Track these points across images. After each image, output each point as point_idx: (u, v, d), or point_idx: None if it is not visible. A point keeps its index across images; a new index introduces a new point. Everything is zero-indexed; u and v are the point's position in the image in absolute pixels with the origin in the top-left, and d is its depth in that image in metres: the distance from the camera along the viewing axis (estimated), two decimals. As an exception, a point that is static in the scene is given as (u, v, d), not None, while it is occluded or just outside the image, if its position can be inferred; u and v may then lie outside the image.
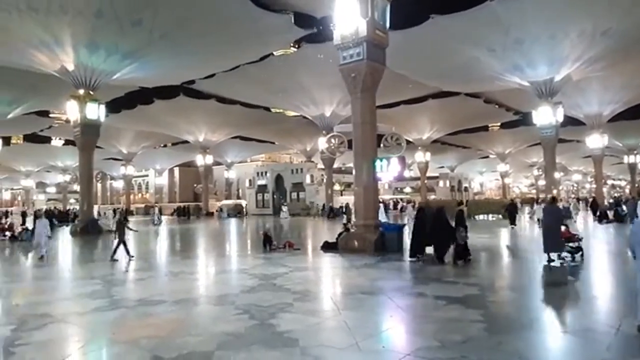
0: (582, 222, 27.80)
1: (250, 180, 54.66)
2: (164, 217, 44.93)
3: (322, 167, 48.83)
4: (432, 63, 30.96)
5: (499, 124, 61.42)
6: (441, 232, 12.06)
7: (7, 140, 49.90)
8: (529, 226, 25.52)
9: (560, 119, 31.47)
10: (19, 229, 23.74)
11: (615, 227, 23.09)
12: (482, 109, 44.70)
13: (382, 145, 16.83)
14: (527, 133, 51.52)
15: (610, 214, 27.25)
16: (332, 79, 29.84)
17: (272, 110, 51.21)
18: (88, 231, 24.99)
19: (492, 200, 58.75)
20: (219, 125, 48.73)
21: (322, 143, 38.11)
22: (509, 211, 24.56)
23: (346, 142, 18.57)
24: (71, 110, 26.19)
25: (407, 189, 79.83)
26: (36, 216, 23.51)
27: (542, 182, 64.30)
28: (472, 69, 30.43)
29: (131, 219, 45.14)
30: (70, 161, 64.88)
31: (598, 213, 27.19)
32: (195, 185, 75.06)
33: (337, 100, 39.38)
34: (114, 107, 37.14)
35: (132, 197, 71.05)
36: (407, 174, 55.47)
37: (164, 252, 18.19)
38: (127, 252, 14.05)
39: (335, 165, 48.53)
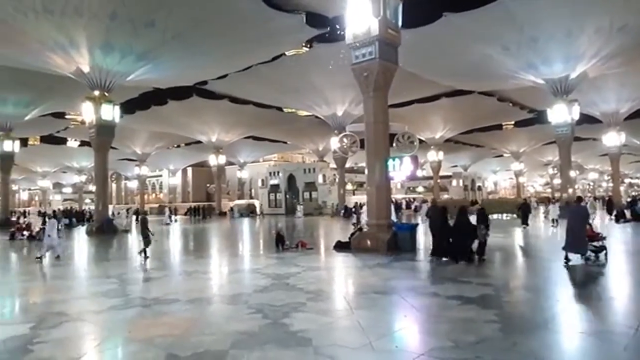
0: (600, 222, 27.36)
1: (262, 180, 54.86)
2: (178, 217, 45.39)
3: (335, 166, 48.83)
4: (445, 62, 30.74)
5: (513, 122, 60.82)
6: (463, 231, 11.97)
7: (24, 142, 50.89)
8: (543, 226, 25.19)
9: (576, 116, 31.04)
10: (37, 228, 24.15)
11: (633, 226, 22.69)
12: (496, 107, 44.27)
13: (394, 144, 16.72)
14: (541, 131, 50.91)
15: (628, 213, 26.78)
16: (344, 79, 29.86)
17: (285, 110, 51.37)
18: (103, 231, 25.34)
19: (506, 199, 58.13)
20: (232, 125, 49.01)
21: (334, 143, 38.07)
22: (522, 211, 24.24)
23: (358, 142, 18.45)
24: (87, 112, 26.56)
25: (420, 188, 79.43)
26: (48, 216, 23.87)
27: (557, 181, 63.51)
28: (486, 67, 30.16)
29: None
30: (85, 162, 65.92)
31: (615, 212, 26.74)
32: (208, 185, 75.64)
33: (349, 100, 39.35)
34: (128, 108, 37.60)
35: (146, 197, 71.76)
36: (419, 173, 55.13)
37: (178, 251, 18.34)
38: (145, 251, 14.17)
39: (348, 165, 48.52)
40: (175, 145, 66.54)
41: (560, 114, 30.61)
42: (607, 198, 39.98)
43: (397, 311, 7.43)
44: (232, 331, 6.08)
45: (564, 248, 11.08)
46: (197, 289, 9.24)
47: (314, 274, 10.75)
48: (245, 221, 38.70)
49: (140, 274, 11.90)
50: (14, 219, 36.75)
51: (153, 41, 24.73)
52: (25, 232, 23.35)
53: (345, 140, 18.88)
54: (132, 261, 14.14)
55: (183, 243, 21.77)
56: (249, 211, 49.26)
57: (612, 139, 41.00)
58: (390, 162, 15.00)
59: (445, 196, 63.11)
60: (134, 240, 22.72)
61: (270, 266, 12.02)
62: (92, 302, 8.30)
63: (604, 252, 11.41)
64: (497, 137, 63.04)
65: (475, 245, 11.97)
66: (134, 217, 34.05)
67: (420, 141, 23.12)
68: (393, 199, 29.61)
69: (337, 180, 47.06)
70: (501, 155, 74.24)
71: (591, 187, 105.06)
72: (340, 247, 15.23)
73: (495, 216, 33.05)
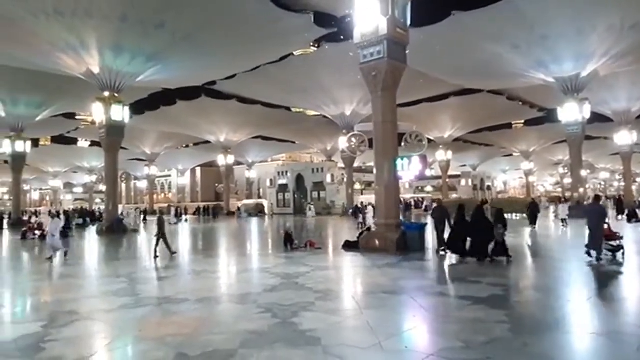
0: (611, 221, 27.01)
1: (271, 180, 54.99)
2: (187, 217, 45.66)
3: (343, 166, 48.80)
4: (454, 60, 30.60)
5: (522, 121, 60.45)
6: (481, 231, 11.91)
7: (35, 142, 51.50)
8: (553, 226, 24.94)
9: (587, 115, 30.74)
10: (47, 228, 24.35)
11: (645, 226, 22.38)
12: (505, 106, 44.01)
13: (403, 143, 16.66)
14: (552, 130, 50.50)
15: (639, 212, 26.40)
16: (352, 78, 29.83)
17: (293, 110, 51.45)
18: (113, 230, 25.55)
19: (515, 199, 57.70)
20: (240, 125, 49.18)
21: (342, 142, 38.06)
22: (530, 211, 23.74)
23: (367, 141, 18.41)
24: (97, 112, 26.80)
25: (429, 188, 79.10)
26: (52, 216, 23.99)
27: (567, 181, 62.91)
28: (495, 66, 29.98)
29: (154, 218, 46.00)
30: (96, 162, 66.54)
31: (627, 212, 26.38)
32: (216, 185, 75.97)
33: (357, 99, 39.30)
34: (137, 108, 37.92)
35: (155, 197, 72.27)
36: (428, 172, 54.93)
37: (187, 251, 18.42)
38: (156, 251, 14.36)
39: (356, 165, 48.47)
40: (184, 146, 66.95)
41: (571, 112, 30.32)
42: (617, 197, 39.50)
43: (406, 311, 7.40)
44: (241, 330, 6.10)
45: (587, 246, 10.99)
46: (207, 289, 9.29)
47: (322, 274, 10.74)
48: (254, 221, 38.81)
49: (150, 273, 11.98)
50: (25, 218, 37.16)
51: (162, 42, 24.89)
52: (36, 232, 23.58)
53: (353, 139, 18.87)
54: (142, 261, 14.23)
55: (192, 242, 21.87)
56: (257, 211, 49.38)
57: (624, 137, 40.57)
58: (398, 162, 14.94)
59: (454, 195, 62.82)
60: (143, 240, 22.90)
61: (279, 266, 12.04)
62: (103, 301, 8.36)
63: (622, 251, 11.29)
64: (506, 136, 62.63)
65: (491, 245, 11.90)
66: (142, 217, 34.43)
67: (429, 141, 23.01)
68: (401, 199, 29.52)
69: (345, 179, 47.04)
70: (511, 155, 73.76)
71: (602, 186, 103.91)
72: (349, 246, 15.22)
73: (505, 216, 32.79)
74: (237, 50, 28.33)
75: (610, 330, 6.08)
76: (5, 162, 46.01)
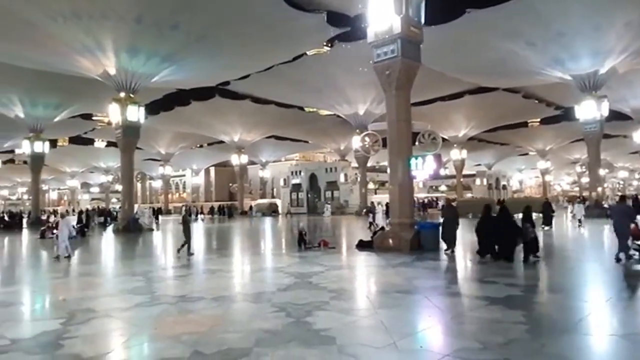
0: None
1: (284, 180, 55.12)
2: (203, 216, 46.00)
3: (356, 165, 48.71)
4: (468, 58, 30.33)
5: (539, 119, 59.57)
6: (508, 231, 11.76)
7: (53, 143, 52.40)
8: (570, 226, 24.54)
9: (605, 113, 30.23)
10: (71, 226, 24.72)
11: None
12: (521, 104, 43.47)
13: (417, 142, 16.58)
14: (569, 128, 49.75)
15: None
16: (365, 77, 29.75)
17: (306, 109, 51.48)
18: (129, 229, 25.88)
19: (532, 198, 56.91)
20: (254, 125, 49.40)
21: (356, 141, 38.06)
22: (543, 210, 22.92)
23: (380, 141, 18.37)
24: (113, 113, 27.19)
25: (443, 187, 78.48)
26: (61, 215, 24.23)
27: (585, 180, 61.87)
28: (511, 64, 29.64)
29: (168, 217, 46.46)
30: (112, 162, 67.43)
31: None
32: (230, 184, 76.38)
33: (370, 99, 39.18)
34: (152, 109, 38.31)
35: (170, 196, 72.95)
36: (442, 172, 54.50)
37: (202, 250, 18.54)
38: (189, 248, 14.64)
39: (369, 164, 48.30)
40: (198, 145, 67.46)
41: (589, 110, 29.83)
42: (634, 196, 38.70)
43: (421, 311, 7.35)
44: (256, 329, 6.12)
45: (618, 252, 10.85)
46: (222, 287, 9.35)
47: (336, 273, 10.73)
48: (267, 220, 38.92)
49: (166, 271, 12.10)
50: (44, 217, 37.84)
51: (177, 43, 25.13)
52: (55, 231, 23.86)
53: (367, 139, 18.84)
54: (157, 259, 14.39)
55: (206, 242, 22.02)
56: (271, 210, 49.50)
57: (644, 136, 39.75)
58: (412, 161, 14.87)
59: (469, 195, 62.24)
60: (158, 238, 23.14)
61: (293, 265, 12.06)
62: (119, 299, 8.46)
63: None
64: (522, 134, 61.83)
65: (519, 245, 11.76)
66: (154, 217, 34.98)
67: (443, 139, 22.74)
68: (415, 198, 29.33)
69: (358, 179, 46.94)
70: (527, 154, 72.80)
71: (621, 185, 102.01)
72: (363, 246, 15.19)
73: (520, 215, 32.38)
74: (250, 51, 28.46)
75: (630, 332, 5.96)
76: (25, 162, 47.00)
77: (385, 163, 20.83)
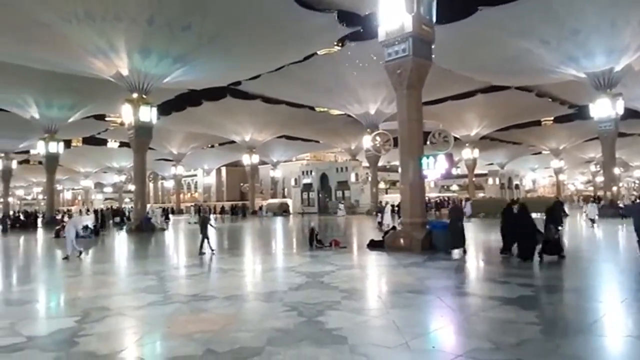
0: None
1: (295, 179, 55.19)
2: (216, 215, 46.20)
3: (367, 165, 48.59)
4: (480, 57, 30.11)
5: (552, 118, 59.01)
6: (526, 230, 11.65)
7: (68, 143, 53.09)
8: (583, 226, 24.19)
9: (621, 111, 29.79)
10: (80, 226, 25.06)
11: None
12: (534, 102, 43.01)
13: (428, 142, 16.46)
14: (583, 127, 49.14)
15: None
16: (376, 77, 29.67)
17: (317, 109, 51.53)
18: (142, 229, 26.12)
19: (544, 198, 56.25)
20: (265, 125, 49.54)
21: (366, 141, 37.96)
22: (554, 210, 22.48)
23: (392, 140, 18.25)
24: (126, 114, 27.45)
25: (454, 187, 77.99)
26: (69, 216, 24.58)
27: (600, 179, 61.04)
28: (524, 62, 29.34)
29: (179, 217, 46.77)
30: (125, 162, 68.20)
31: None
32: (241, 184, 76.79)
33: (381, 98, 39.07)
34: (164, 109, 38.67)
35: (182, 196, 73.51)
36: (454, 171, 54.12)
37: (215, 249, 18.64)
38: (210, 247, 14.90)
39: (380, 164, 48.18)
40: (210, 145, 67.87)
41: (604, 108, 29.42)
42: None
43: (433, 311, 7.31)
44: (268, 328, 6.14)
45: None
46: (234, 287, 9.39)
47: (348, 273, 10.72)
48: (278, 220, 38.98)
49: (178, 271, 12.19)
50: (58, 217, 38.35)
51: (189, 44, 25.30)
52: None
53: (378, 138, 18.73)
54: (170, 258, 14.49)
55: (218, 241, 22.11)
56: (282, 210, 49.58)
57: (660, 134, 39.08)
58: (424, 160, 14.79)
59: (481, 194, 61.77)
60: (170, 238, 23.31)
61: (305, 264, 12.08)
62: (133, 298, 8.54)
63: None
64: (535, 133, 61.18)
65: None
66: (163, 217, 35.36)
67: (455, 139, 22.49)
68: (427, 198, 29.15)
69: (369, 178, 46.82)
70: (540, 153, 72.04)
71: (636, 185, 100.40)
72: (374, 245, 15.15)
73: (533, 214, 31.99)
74: (261, 51, 28.56)
75: (647, 333, 5.87)
76: (40, 162, 47.69)
77: (397, 162, 20.73)
